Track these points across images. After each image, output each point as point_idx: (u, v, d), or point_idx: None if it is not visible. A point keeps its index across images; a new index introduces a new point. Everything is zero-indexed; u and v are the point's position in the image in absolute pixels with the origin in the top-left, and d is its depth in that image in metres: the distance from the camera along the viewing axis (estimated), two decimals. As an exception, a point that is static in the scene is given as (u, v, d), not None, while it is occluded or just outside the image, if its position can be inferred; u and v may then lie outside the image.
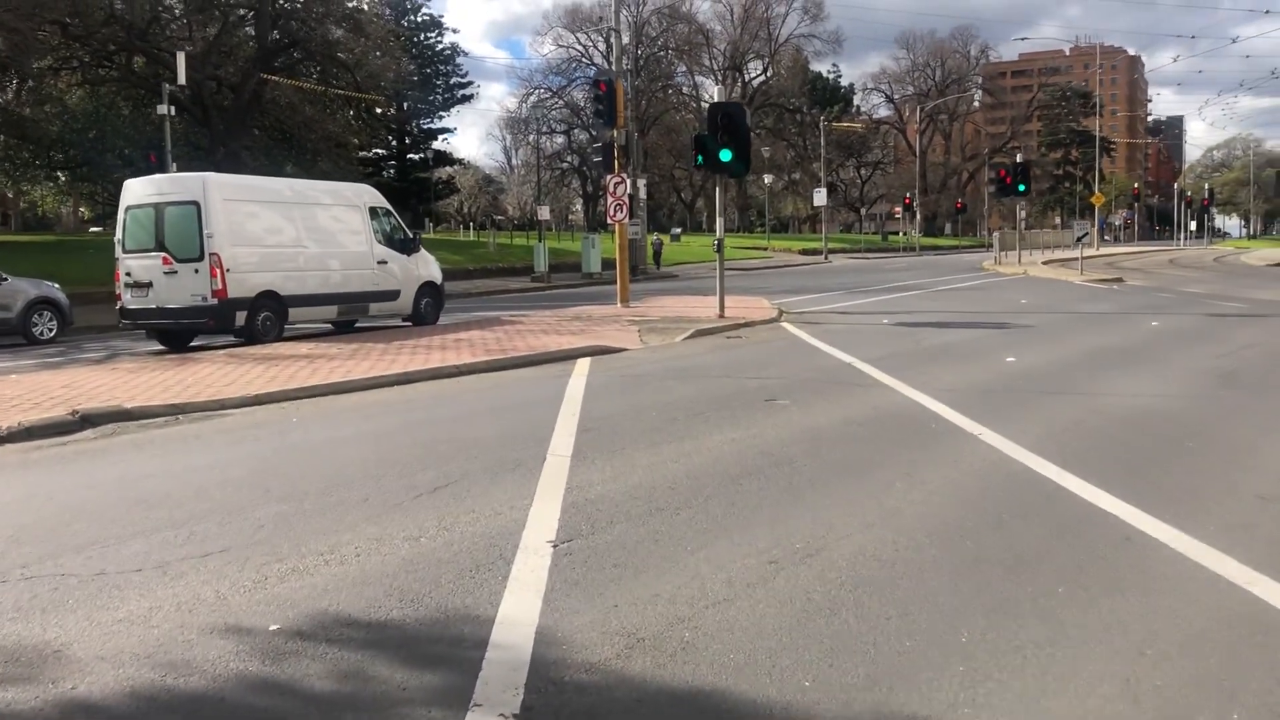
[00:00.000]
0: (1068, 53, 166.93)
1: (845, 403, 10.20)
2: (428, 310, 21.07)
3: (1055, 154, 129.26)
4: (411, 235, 21.10)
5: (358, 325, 20.71)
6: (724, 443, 8.35)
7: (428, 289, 21.16)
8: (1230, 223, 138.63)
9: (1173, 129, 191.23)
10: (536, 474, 7.37)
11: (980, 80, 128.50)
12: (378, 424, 9.64)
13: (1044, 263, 44.04)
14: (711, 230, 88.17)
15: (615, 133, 22.81)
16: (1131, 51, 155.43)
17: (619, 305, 23.07)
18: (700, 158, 19.12)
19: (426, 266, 21.33)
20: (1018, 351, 14.07)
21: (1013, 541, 5.69)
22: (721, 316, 19.54)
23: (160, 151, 29.91)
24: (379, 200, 20.55)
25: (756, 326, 18.46)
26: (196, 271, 16.93)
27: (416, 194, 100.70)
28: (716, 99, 19.75)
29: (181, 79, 29.70)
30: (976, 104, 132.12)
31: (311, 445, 8.73)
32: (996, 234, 47.96)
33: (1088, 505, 6.42)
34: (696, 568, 5.32)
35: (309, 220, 18.80)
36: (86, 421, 9.61)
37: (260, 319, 17.50)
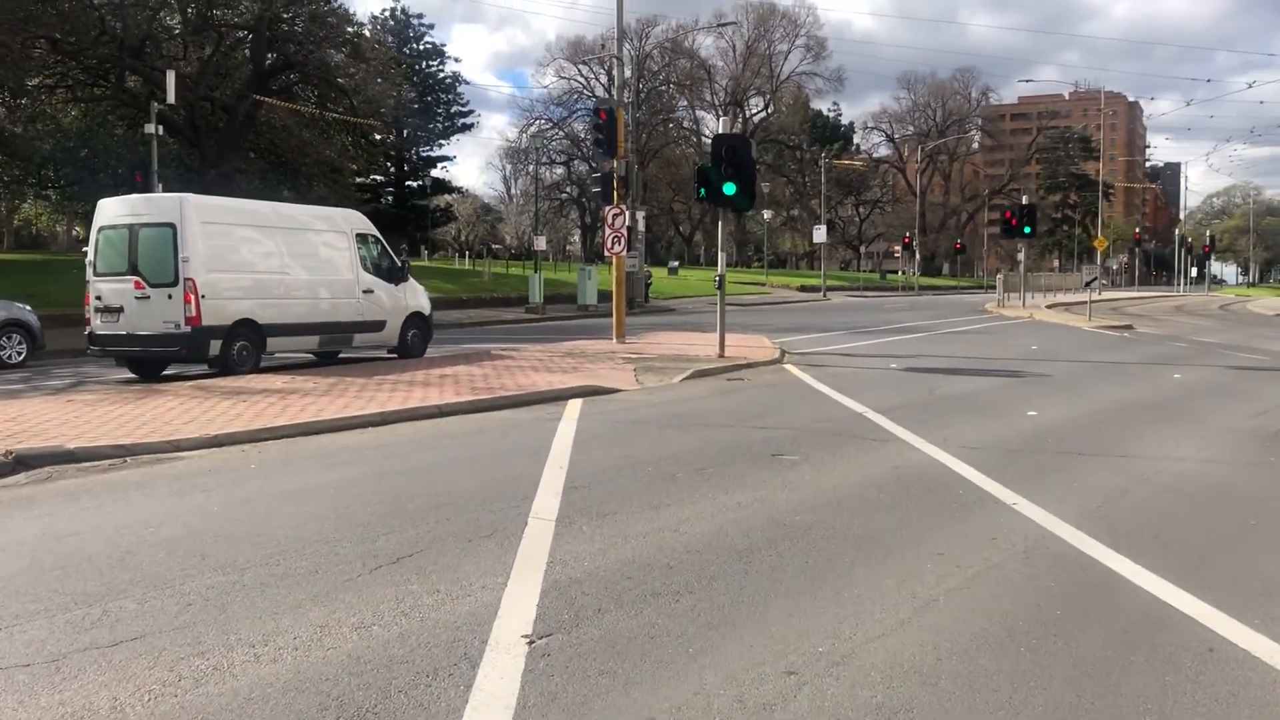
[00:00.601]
0: (1067, 97, 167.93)
1: (861, 460, 9.29)
2: (415, 342, 20.17)
3: (1054, 197, 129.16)
4: (400, 263, 20.24)
5: (341, 356, 19.82)
6: (729, 507, 7.44)
7: (415, 320, 20.27)
8: (1227, 269, 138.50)
9: (1170, 175, 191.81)
10: (515, 542, 6.45)
11: (980, 122, 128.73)
12: (344, 473, 8.70)
13: (1048, 306, 43.28)
14: (710, 265, 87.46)
15: (615, 163, 22.02)
16: (1131, 98, 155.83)
17: (614, 341, 22.20)
18: (703, 190, 18.32)
19: (414, 296, 20.46)
20: (1038, 404, 13.19)
21: (1075, 649, 4.78)
22: (722, 356, 18.67)
23: (146, 171, 29.09)
24: (367, 226, 19.72)
25: (758, 368, 17.58)
26: (170, 297, 16.04)
27: (414, 221, 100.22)
28: (721, 130, 18.98)
29: (171, 98, 28.94)
30: (976, 145, 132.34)
31: (266, 498, 7.80)
32: (1000, 276, 47.24)
33: (1153, 600, 5.51)
34: (700, 678, 4.39)
35: (292, 246, 17.93)
36: (21, 463, 8.67)
37: (236, 349, 16.59)
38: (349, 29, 51.11)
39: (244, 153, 44.53)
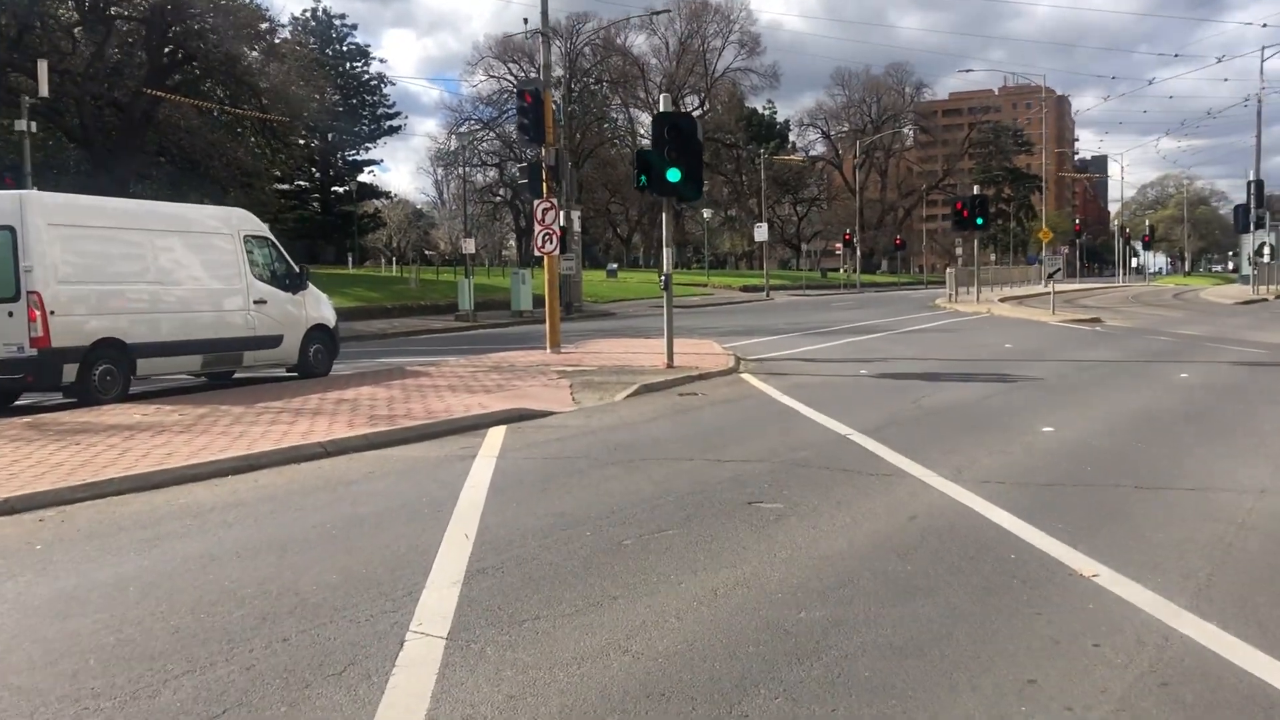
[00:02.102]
0: (997, 92, 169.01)
1: (864, 508, 7.08)
2: (318, 359, 17.64)
3: (988, 191, 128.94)
4: (298, 269, 17.67)
5: (236, 376, 17.27)
6: (702, 598, 5.19)
7: (318, 334, 17.73)
8: (1156, 259, 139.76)
9: (1097, 168, 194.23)
10: (379, 687, 4.13)
11: (913, 117, 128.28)
12: (162, 556, 6.27)
13: (1001, 300, 41.80)
14: (649, 267, 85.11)
15: (544, 150, 19.68)
16: (1059, 92, 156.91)
17: (548, 350, 19.86)
18: (643, 177, 16.03)
19: (316, 306, 17.93)
20: (1047, 416, 11.13)
21: None
22: (670, 366, 16.42)
23: (18, 173, 26.00)
24: (257, 226, 17.15)
25: (713, 379, 15.36)
26: (10, 315, 13.36)
27: (341, 228, 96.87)
28: (663, 109, 16.70)
29: (43, 90, 25.90)
30: (910, 141, 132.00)
31: (26, 607, 5.35)
32: (950, 271, 45.70)
33: None
34: None
35: (165, 250, 15.32)
36: None
37: (97, 374, 13.94)
38: (262, 24, 48.09)
39: (147, 156, 41.26)
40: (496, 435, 10.58)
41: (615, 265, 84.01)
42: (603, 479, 8.18)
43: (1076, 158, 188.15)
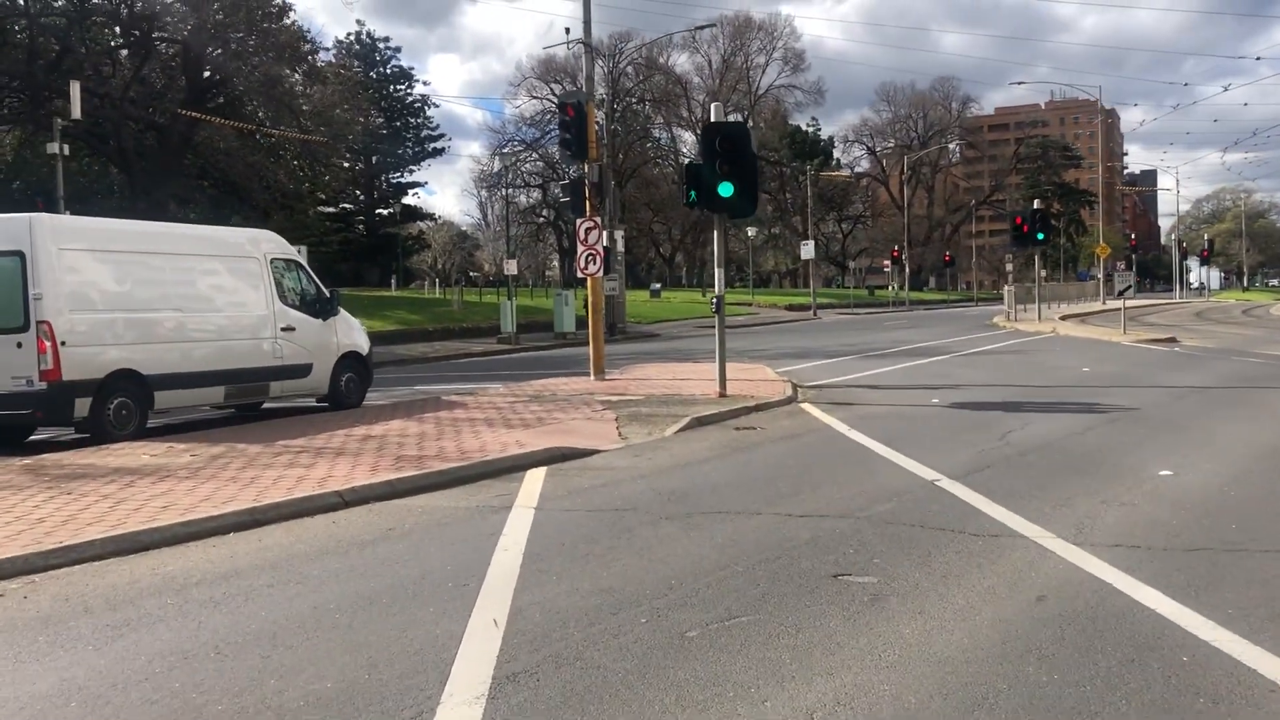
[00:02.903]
0: (1043, 106, 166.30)
1: (978, 584, 5.82)
2: (350, 389, 16.65)
3: (1038, 206, 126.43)
4: (328, 294, 16.70)
5: (265, 407, 16.35)
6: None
7: (350, 362, 16.74)
8: (1210, 274, 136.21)
9: (1146, 183, 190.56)
10: None
11: (959, 132, 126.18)
12: (122, 652, 5.16)
13: (1062, 318, 40.11)
14: (692, 287, 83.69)
15: (586, 167, 18.61)
16: (1107, 106, 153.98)
17: (592, 377, 18.73)
18: (693, 193, 14.87)
19: (348, 333, 16.96)
20: (1159, 455, 9.79)
21: None
22: (723, 395, 15.21)
23: (49, 197, 25.45)
24: (285, 249, 16.22)
25: (771, 410, 14.13)
26: (19, 346, 12.47)
27: (385, 250, 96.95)
28: (715, 119, 15.52)
29: (76, 112, 25.35)
30: (955, 157, 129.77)
31: (-60, 731, 4.27)
32: (1009, 288, 44.04)
33: None
34: None
35: (185, 275, 14.41)
36: None
37: (112, 408, 13.01)
38: (303, 46, 47.72)
39: (187, 179, 40.83)
40: (535, 480, 9.43)
41: (659, 285, 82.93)
42: (656, 540, 6.99)
43: (1125, 172, 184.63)
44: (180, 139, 37.46)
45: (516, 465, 10.05)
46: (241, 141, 43.02)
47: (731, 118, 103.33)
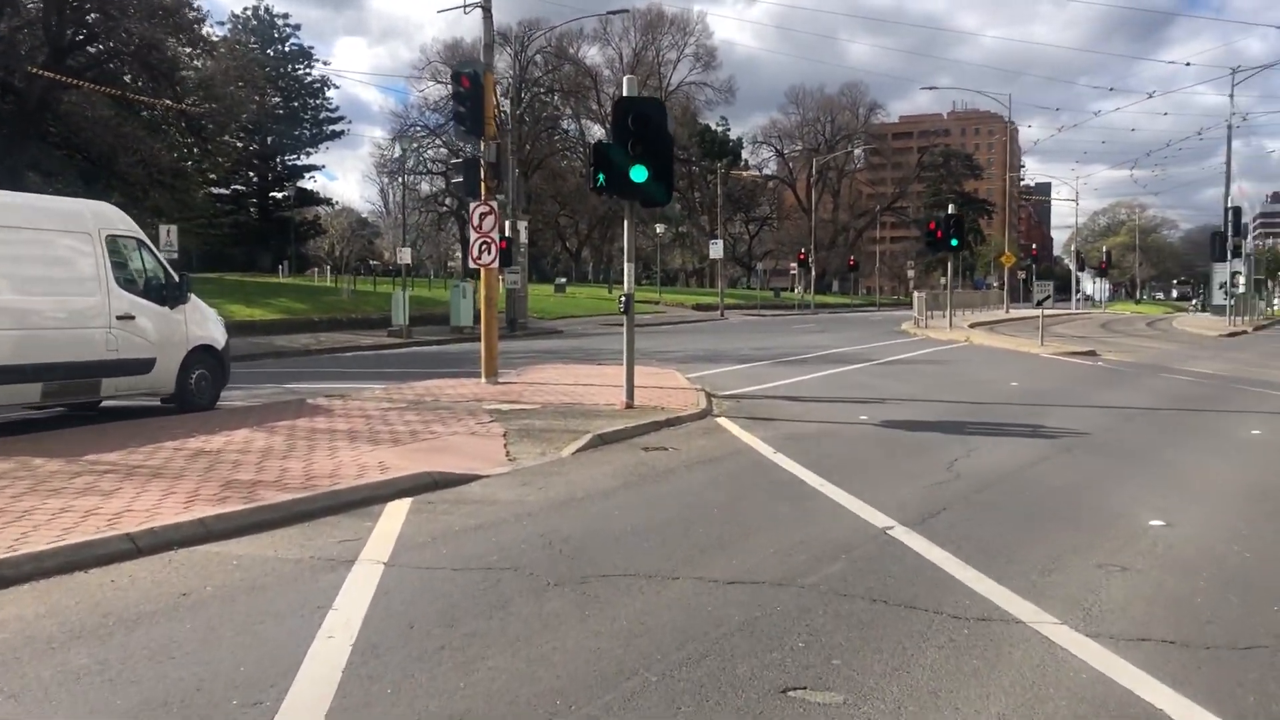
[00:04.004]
0: (945, 116, 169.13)
1: (981, 707, 4.19)
2: (200, 388, 14.46)
3: (938, 213, 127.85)
4: (177, 278, 14.47)
5: (105, 405, 14.11)
6: None
7: (202, 357, 14.54)
8: (1103, 286, 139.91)
9: (1042, 195, 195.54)
10: None
11: (865, 138, 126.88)
12: None
13: (971, 326, 39.46)
14: (599, 282, 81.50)
15: (483, 145, 16.67)
16: (1007, 119, 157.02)
17: (483, 381, 16.82)
18: (601, 176, 13.08)
19: (202, 324, 14.76)
20: (1137, 496, 8.39)
21: None
22: (630, 406, 13.48)
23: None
24: (125, 225, 13.94)
25: (684, 425, 12.44)
26: None
27: (280, 234, 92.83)
28: (627, 94, 13.70)
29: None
30: (859, 163, 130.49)
31: None
32: (920, 295, 43.29)
33: None
34: None
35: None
36: None
37: (-112, 407, 10.71)
38: (189, 12, 44.45)
39: (47, 146, 37.37)
40: (395, 516, 7.56)
41: (564, 280, 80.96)
42: (540, 621, 5.21)
43: (1022, 184, 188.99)
44: (38, 103, 34.12)
45: (375, 496, 8.15)
46: (116, 111, 39.73)
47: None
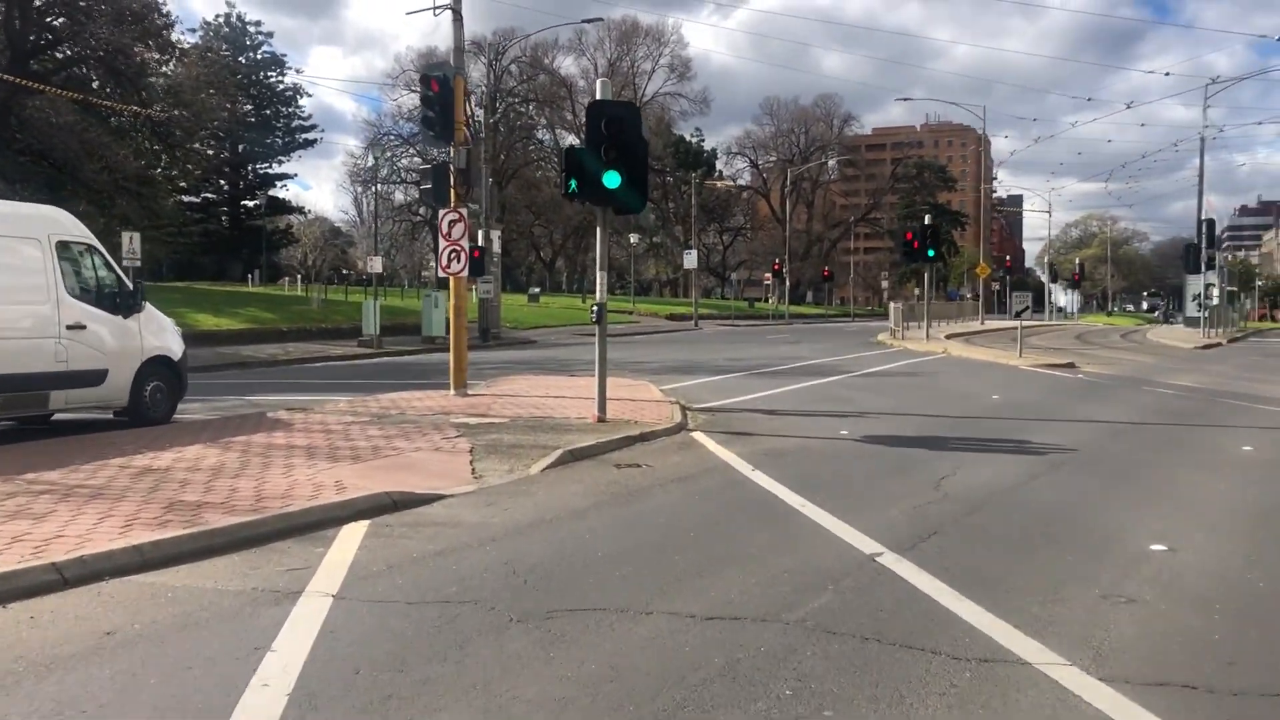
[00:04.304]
0: (919, 128, 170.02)
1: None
2: (156, 400, 13.88)
3: (913, 226, 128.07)
4: (131, 286, 13.88)
5: (57, 417, 13.52)
6: None
7: (158, 368, 13.96)
8: (1074, 298, 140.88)
9: (1013, 207, 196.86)
10: None
11: (839, 149, 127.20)
12: None
13: (948, 337, 39.25)
14: (573, 292, 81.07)
15: (452, 150, 16.18)
16: (979, 132, 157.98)
17: (451, 393, 16.31)
18: (574, 182, 12.62)
19: (158, 334, 14.16)
20: (1140, 519, 8.01)
21: None
22: (602, 420, 13.00)
23: None
24: (76, 230, 13.35)
25: (658, 441, 11.98)
26: None
27: (251, 243, 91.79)
28: (600, 97, 13.21)
29: None
30: (833, 174, 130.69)
31: None
32: (896, 305, 43.04)
33: None
34: None
35: (-70, 257, 11.50)
36: None
37: None
38: (157, 17, 43.66)
39: (10, 153, 36.44)
40: (350, 541, 7.06)
41: (538, 289, 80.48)
42: (500, 666, 4.72)
43: (995, 196, 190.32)
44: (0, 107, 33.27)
45: (329, 518, 7.63)
46: (80, 117, 38.86)
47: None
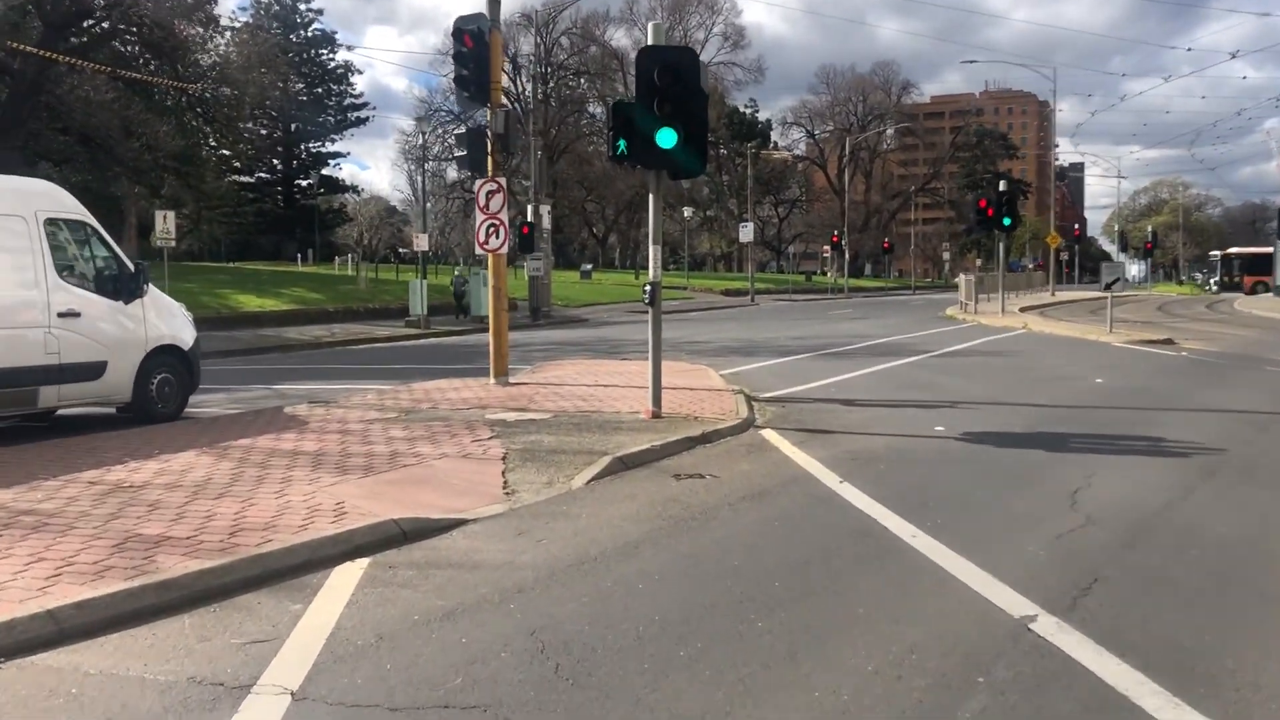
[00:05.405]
0: (978, 96, 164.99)
1: None
2: (165, 394, 12.52)
3: (973, 196, 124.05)
4: (133, 268, 12.47)
5: (61, 414, 12.24)
6: None
7: (165, 358, 12.58)
8: (1141, 267, 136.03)
9: (1075, 174, 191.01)
10: None
11: (898, 117, 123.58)
12: None
13: (1022, 310, 37.00)
14: (626, 269, 79.27)
15: (489, 113, 14.57)
16: (1040, 98, 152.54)
17: (491, 381, 14.76)
18: (622, 143, 10.89)
19: (164, 321, 12.78)
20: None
21: None
22: (657, 415, 11.36)
23: None
24: (70, 207, 11.95)
25: (724, 442, 10.29)
26: None
27: (304, 222, 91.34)
28: (652, 42, 11.46)
29: None
30: (891, 143, 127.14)
31: None
32: (967, 278, 40.76)
33: None
34: None
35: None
36: None
37: None
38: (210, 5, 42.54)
39: (46, 131, 35.54)
40: (337, 593, 5.50)
41: (590, 266, 78.89)
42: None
43: (1056, 164, 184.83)
44: (31, 84, 32.26)
45: (318, 558, 6.07)
46: (119, 94, 37.83)
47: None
